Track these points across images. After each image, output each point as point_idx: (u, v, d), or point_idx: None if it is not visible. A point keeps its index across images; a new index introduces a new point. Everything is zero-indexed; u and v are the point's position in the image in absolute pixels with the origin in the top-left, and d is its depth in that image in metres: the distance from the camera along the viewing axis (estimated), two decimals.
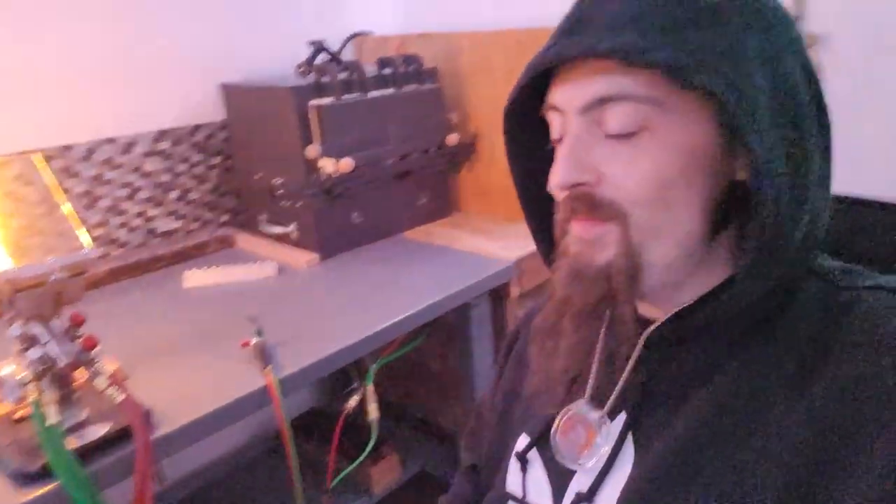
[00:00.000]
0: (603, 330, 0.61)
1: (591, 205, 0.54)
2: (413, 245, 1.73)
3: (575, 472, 0.60)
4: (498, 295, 1.59)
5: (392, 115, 1.67)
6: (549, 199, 0.60)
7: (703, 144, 0.52)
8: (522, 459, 0.65)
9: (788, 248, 0.50)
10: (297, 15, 1.94)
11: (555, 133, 0.57)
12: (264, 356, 1.11)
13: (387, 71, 1.68)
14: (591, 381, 0.62)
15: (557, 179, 0.54)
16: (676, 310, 0.57)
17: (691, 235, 0.54)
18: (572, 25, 0.54)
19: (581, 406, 0.61)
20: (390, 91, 1.67)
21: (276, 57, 1.88)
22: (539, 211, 0.66)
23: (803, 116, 0.50)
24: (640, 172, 0.52)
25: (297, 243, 1.67)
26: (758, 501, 0.47)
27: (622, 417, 0.59)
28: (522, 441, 0.67)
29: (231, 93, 1.77)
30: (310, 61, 1.66)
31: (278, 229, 1.70)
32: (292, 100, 1.51)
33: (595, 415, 0.60)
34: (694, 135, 0.51)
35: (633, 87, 0.50)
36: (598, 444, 0.58)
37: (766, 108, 0.48)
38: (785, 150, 0.49)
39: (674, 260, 0.54)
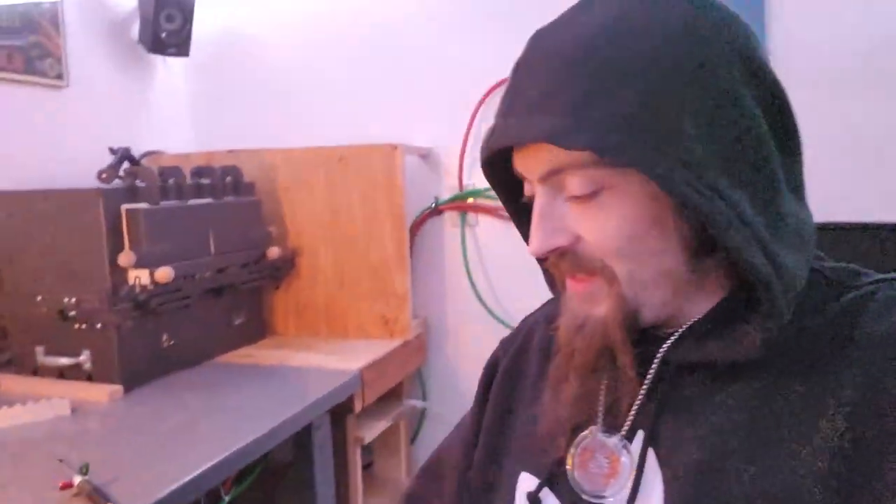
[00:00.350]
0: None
1: (576, 263, 0.54)
2: (235, 368, 1.55)
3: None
4: (339, 413, 1.49)
5: (211, 225, 1.55)
6: None
7: (656, 200, 0.52)
8: (534, 501, 0.60)
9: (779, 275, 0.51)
10: (79, 130, 1.76)
11: (527, 191, 0.58)
12: (99, 495, 0.88)
13: (205, 181, 1.58)
14: (601, 407, 0.59)
15: (533, 249, 0.55)
16: (684, 326, 0.56)
17: (679, 272, 0.54)
18: (507, 103, 0.55)
19: (596, 434, 0.59)
20: (208, 200, 1.57)
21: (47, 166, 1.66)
22: None
23: (760, 147, 0.51)
24: (610, 229, 0.52)
25: (91, 376, 1.40)
26: (807, 494, 0.47)
27: (639, 435, 0.57)
28: (529, 481, 0.62)
29: None
30: (114, 167, 1.49)
31: (65, 360, 1.41)
32: (101, 204, 1.32)
33: (613, 439, 0.58)
34: (646, 193, 0.51)
35: (578, 159, 0.51)
36: (623, 466, 0.56)
37: (701, 145, 0.48)
38: (744, 190, 0.49)
39: (667, 298, 0.55)
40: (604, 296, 0.54)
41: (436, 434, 1.93)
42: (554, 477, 0.60)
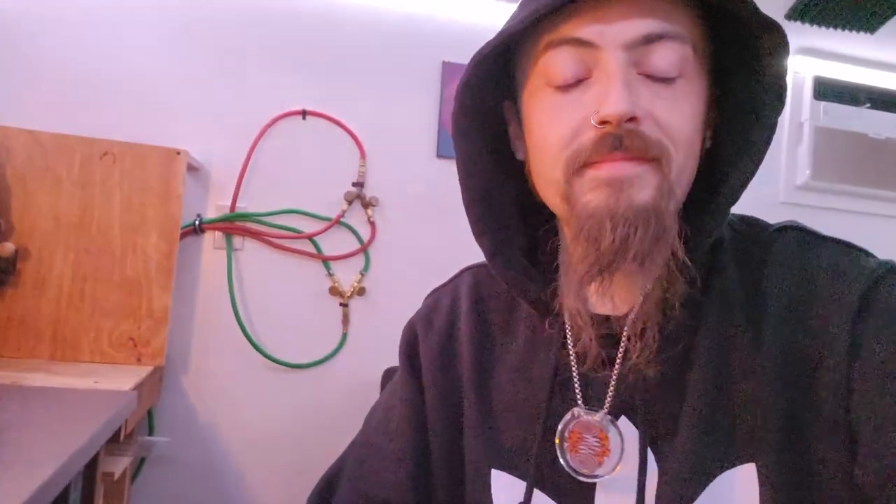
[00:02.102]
0: (569, 333, 0.61)
1: (641, 141, 0.52)
2: None
3: (594, 485, 0.59)
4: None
5: None
6: (484, 194, 0.63)
7: (708, 99, 0.57)
8: None
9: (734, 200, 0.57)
10: None
11: (569, 72, 0.54)
12: None
13: None
14: (577, 386, 0.61)
15: (620, 108, 0.51)
16: (643, 296, 0.58)
17: (685, 196, 0.57)
18: None
19: (580, 414, 0.60)
20: None
21: None
22: (487, 202, 0.64)
23: None
24: (682, 116, 0.53)
25: None
26: (769, 426, 0.53)
27: (626, 423, 0.59)
28: (504, 479, 0.63)
29: None
30: None
31: None
32: None
33: (598, 417, 0.59)
34: (706, 88, 0.56)
35: (682, 27, 0.52)
36: (614, 443, 0.58)
37: None
38: None
39: (676, 209, 0.55)
40: (651, 182, 0.53)
41: (162, 477, 1.79)
42: (539, 473, 0.61)
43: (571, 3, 0.53)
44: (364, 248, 1.91)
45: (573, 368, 0.61)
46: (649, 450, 0.57)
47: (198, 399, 1.82)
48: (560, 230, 0.64)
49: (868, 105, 2.07)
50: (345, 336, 1.90)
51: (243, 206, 1.84)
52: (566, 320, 0.62)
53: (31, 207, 1.57)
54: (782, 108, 0.56)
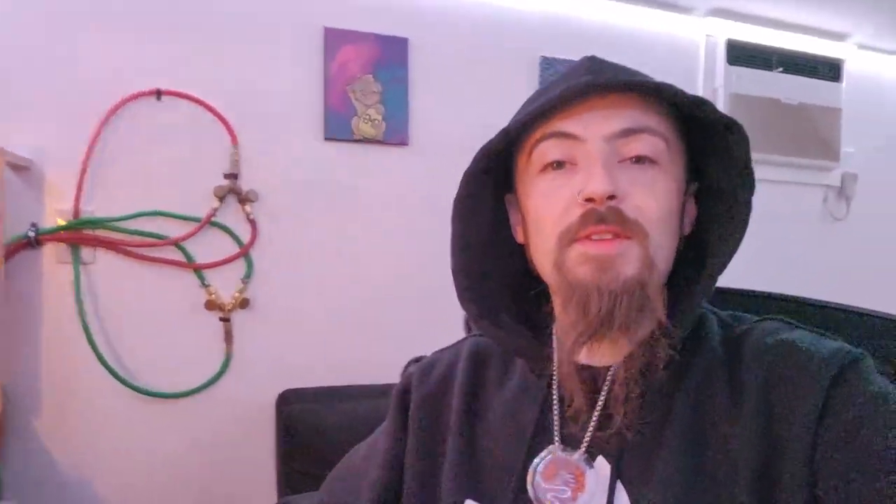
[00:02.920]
0: (555, 381, 0.68)
1: (620, 218, 0.61)
2: None
3: None
4: None
5: None
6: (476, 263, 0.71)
7: (680, 189, 0.66)
8: None
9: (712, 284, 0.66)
10: None
11: (553, 155, 0.65)
12: None
13: None
14: (556, 427, 0.67)
15: (602, 187, 0.60)
16: (631, 350, 0.64)
17: (668, 268, 0.65)
18: (587, 70, 0.66)
19: (556, 451, 0.66)
20: None
21: None
22: (475, 268, 0.72)
23: None
24: (657, 198, 0.62)
25: None
26: (741, 490, 0.58)
27: (602, 463, 0.64)
28: None
29: None
30: None
31: None
32: None
33: (576, 455, 0.65)
34: (680, 178, 0.65)
35: (655, 123, 0.63)
36: (590, 481, 0.63)
37: None
38: None
39: (658, 286, 0.64)
40: (634, 257, 0.61)
41: None
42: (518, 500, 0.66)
43: (560, 107, 0.64)
44: (244, 252, 1.67)
45: (555, 414, 0.68)
46: (620, 484, 0.63)
47: (56, 446, 1.54)
48: (553, 298, 0.71)
49: (780, 69, 2.02)
50: (228, 356, 1.66)
51: (90, 209, 1.55)
52: (554, 372, 0.70)
53: None
54: (752, 192, 0.66)
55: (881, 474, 0.54)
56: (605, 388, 0.66)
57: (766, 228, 2.13)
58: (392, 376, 1.73)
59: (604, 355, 0.67)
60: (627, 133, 0.63)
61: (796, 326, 0.68)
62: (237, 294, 1.66)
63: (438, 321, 1.76)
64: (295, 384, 1.67)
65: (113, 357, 1.58)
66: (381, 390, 1.71)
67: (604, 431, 0.64)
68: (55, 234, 1.52)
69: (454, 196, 0.72)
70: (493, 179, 0.73)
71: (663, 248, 0.64)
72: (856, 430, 0.56)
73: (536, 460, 0.66)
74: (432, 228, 1.79)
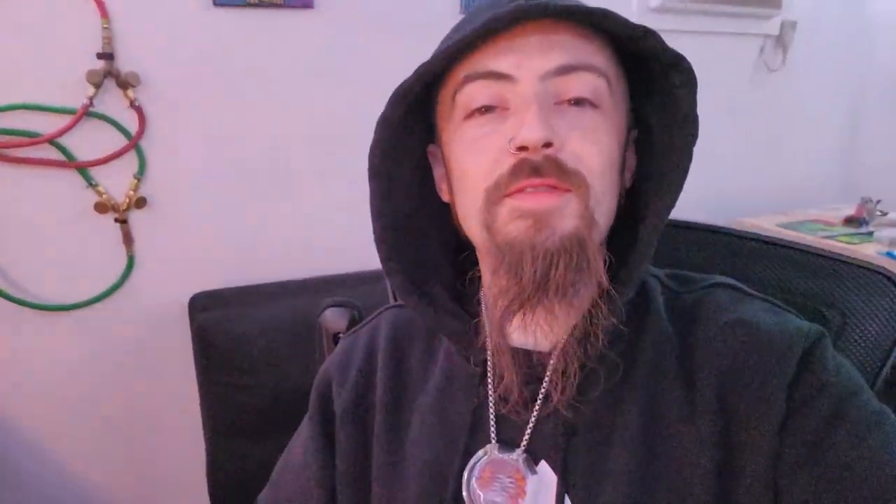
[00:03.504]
0: (490, 364, 0.61)
1: (558, 168, 0.54)
2: None
3: None
4: None
5: None
6: (402, 223, 0.63)
7: (623, 136, 0.59)
8: None
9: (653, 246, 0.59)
10: None
11: (483, 99, 0.56)
12: None
13: None
14: (491, 422, 0.61)
15: (536, 134, 0.52)
16: (571, 330, 0.59)
17: (609, 224, 0.59)
18: None
19: (493, 452, 0.60)
20: None
21: None
22: (398, 236, 0.64)
23: None
24: (598, 145, 0.55)
25: None
26: (695, 491, 0.55)
27: (545, 466, 0.58)
28: None
29: None
30: None
31: None
32: None
33: (514, 456, 0.59)
34: (622, 123, 0.59)
35: (596, 59, 0.56)
36: (531, 485, 0.58)
37: None
38: None
39: (599, 242, 0.57)
40: (573, 211, 0.54)
41: None
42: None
43: (486, 38, 0.55)
44: (133, 144, 1.48)
45: (490, 408, 0.61)
46: (568, 499, 0.57)
47: None
48: (481, 263, 0.64)
49: None
50: (131, 259, 1.53)
51: None
52: (488, 357, 0.62)
53: None
54: (694, 142, 0.58)
55: (850, 488, 0.51)
56: (548, 375, 0.59)
57: (700, 82, 2.07)
58: (308, 270, 1.67)
59: (545, 336, 0.60)
60: (566, 70, 0.55)
61: (745, 293, 0.63)
62: (131, 192, 1.50)
63: (349, 202, 1.67)
64: (207, 286, 1.57)
65: None
66: (300, 286, 1.64)
67: (545, 430, 0.59)
68: None
69: (369, 146, 0.61)
70: (420, 126, 0.64)
71: (604, 203, 0.57)
72: (823, 437, 0.53)
73: (472, 461, 0.60)
74: (338, 105, 1.64)
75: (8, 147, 1.38)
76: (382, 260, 0.64)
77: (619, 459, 0.56)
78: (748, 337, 0.57)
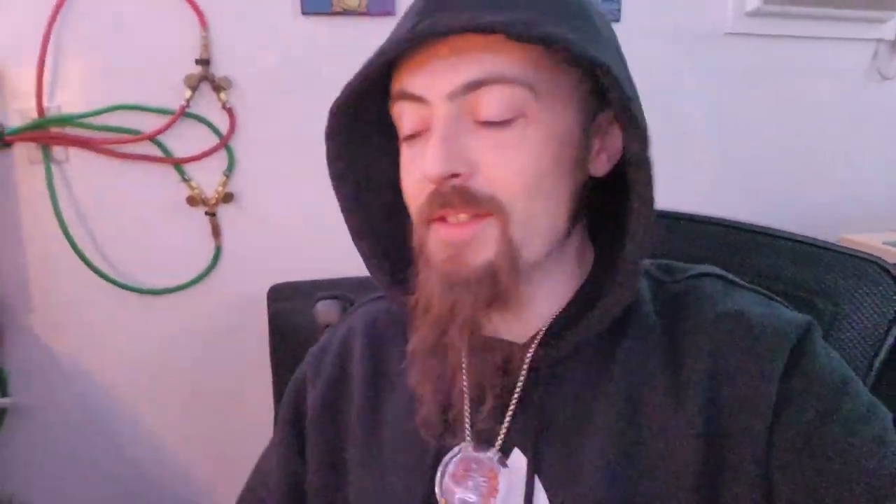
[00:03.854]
0: (465, 359, 0.59)
1: (467, 198, 0.52)
2: None
3: None
4: None
5: None
6: (384, 215, 0.60)
7: (571, 132, 0.54)
8: None
9: (646, 239, 0.55)
10: None
11: (408, 126, 0.54)
12: None
13: None
14: (466, 417, 0.59)
15: (435, 169, 0.51)
16: (545, 326, 0.58)
17: (558, 231, 0.56)
18: (434, 2, 0.52)
19: (468, 450, 0.58)
20: None
21: None
22: (374, 233, 0.63)
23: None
24: (518, 163, 0.52)
25: None
26: (680, 483, 0.53)
27: (518, 457, 0.57)
28: None
29: None
30: None
31: None
32: None
33: (489, 454, 0.58)
34: (564, 122, 0.54)
35: (509, 69, 0.51)
36: (503, 484, 0.57)
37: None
38: None
39: (543, 258, 0.56)
40: (489, 240, 0.53)
41: (27, 433, 1.62)
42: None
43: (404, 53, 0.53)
44: (224, 143, 1.61)
45: (466, 399, 0.59)
46: (542, 491, 0.56)
47: (52, 343, 1.61)
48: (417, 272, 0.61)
49: None
50: (218, 250, 1.66)
51: (55, 106, 1.50)
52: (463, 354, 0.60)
53: None
54: (643, 142, 0.53)
55: (844, 482, 0.50)
56: (525, 366, 0.58)
57: (803, 90, 1.96)
58: None
59: (521, 326, 0.59)
60: (475, 86, 0.51)
61: (734, 283, 0.61)
62: (220, 188, 1.62)
63: None
64: (285, 277, 1.67)
65: (100, 254, 1.59)
66: (371, 281, 1.70)
67: (520, 422, 0.57)
68: (23, 134, 1.48)
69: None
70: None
71: (535, 222, 0.54)
72: (815, 431, 0.51)
73: (446, 458, 0.59)
74: None
75: (114, 143, 1.54)
76: (364, 259, 0.65)
77: (596, 451, 0.55)
78: (738, 328, 0.56)
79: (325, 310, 0.89)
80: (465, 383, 0.60)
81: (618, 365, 0.57)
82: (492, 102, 0.51)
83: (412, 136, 0.55)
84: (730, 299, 0.58)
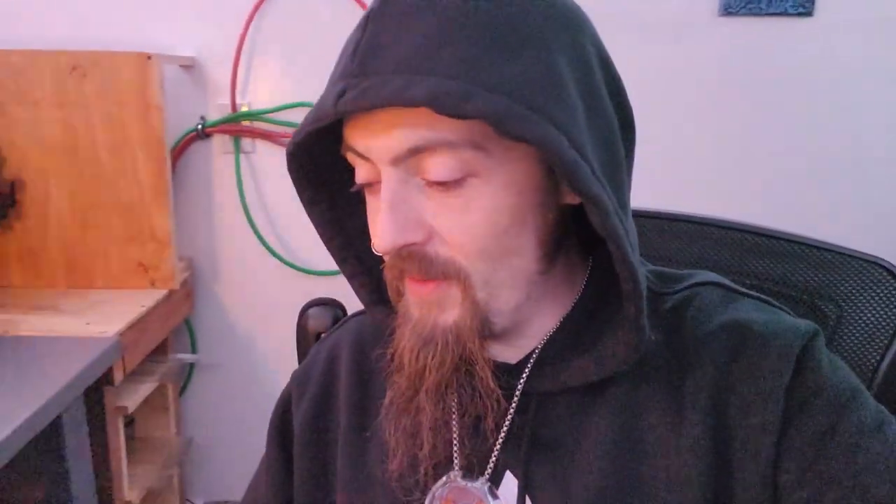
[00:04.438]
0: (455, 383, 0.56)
1: (426, 266, 0.51)
2: None
3: None
4: (95, 388, 1.37)
5: None
6: (364, 234, 0.58)
7: (531, 179, 0.50)
8: None
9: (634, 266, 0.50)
10: None
11: (360, 177, 0.52)
12: None
13: None
14: (456, 446, 0.57)
15: (383, 244, 0.49)
16: (540, 345, 0.57)
17: (532, 274, 0.54)
18: (364, 59, 0.47)
19: (456, 478, 0.57)
20: None
21: None
22: (356, 253, 0.63)
23: (612, 127, 0.51)
24: (473, 224, 0.49)
25: None
26: (688, 494, 0.52)
27: (510, 480, 0.56)
28: None
29: None
30: None
31: None
32: None
33: (477, 484, 0.56)
34: (521, 172, 0.50)
35: (451, 133, 0.47)
36: None
37: (587, 131, 0.48)
38: (605, 169, 0.49)
39: (520, 302, 0.54)
40: (454, 301, 0.52)
41: (208, 386, 1.88)
42: None
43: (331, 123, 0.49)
44: None
45: (454, 423, 0.58)
46: None
47: (235, 309, 1.84)
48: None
49: None
50: None
51: (245, 102, 1.70)
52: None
53: (15, 135, 1.54)
54: (604, 216, 0.48)
55: (854, 494, 0.48)
56: (518, 389, 0.56)
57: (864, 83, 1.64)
58: None
59: (515, 350, 0.58)
60: (416, 151, 0.48)
61: (734, 291, 0.59)
62: None
63: None
64: None
65: (277, 237, 1.79)
66: None
67: (511, 446, 0.56)
68: (218, 127, 1.71)
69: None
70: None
71: (501, 275, 0.52)
72: (823, 443, 0.50)
73: (435, 487, 0.58)
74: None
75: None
76: (348, 279, 0.64)
77: (590, 472, 0.54)
78: (741, 339, 0.54)
79: (317, 318, 0.90)
80: (454, 409, 0.57)
81: (613, 384, 0.55)
82: (438, 166, 0.48)
83: (369, 184, 0.53)
84: (731, 309, 0.57)
